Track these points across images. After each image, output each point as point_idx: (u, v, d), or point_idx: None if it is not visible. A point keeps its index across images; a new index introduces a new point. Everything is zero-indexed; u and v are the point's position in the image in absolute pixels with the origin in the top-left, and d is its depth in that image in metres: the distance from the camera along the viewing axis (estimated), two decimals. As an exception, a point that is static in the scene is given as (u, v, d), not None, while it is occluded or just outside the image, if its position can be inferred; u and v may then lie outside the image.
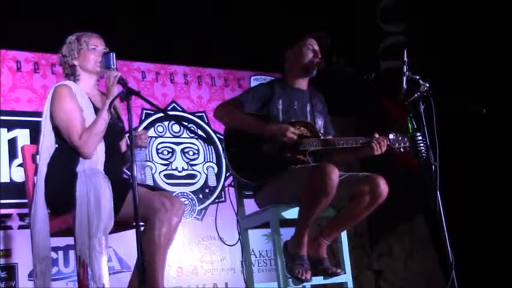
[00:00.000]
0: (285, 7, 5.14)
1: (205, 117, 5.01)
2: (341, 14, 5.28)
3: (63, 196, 2.70)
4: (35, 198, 2.77)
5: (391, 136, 3.27)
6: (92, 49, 2.92)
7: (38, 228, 2.72)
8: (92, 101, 2.89)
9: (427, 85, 3.01)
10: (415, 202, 5.11)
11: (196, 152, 4.93)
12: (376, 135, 3.24)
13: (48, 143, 2.82)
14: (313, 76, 3.41)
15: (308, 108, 3.40)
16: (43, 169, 2.79)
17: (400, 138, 3.27)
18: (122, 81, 2.66)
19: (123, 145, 3.07)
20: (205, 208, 4.80)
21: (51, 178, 2.77)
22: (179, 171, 4.81)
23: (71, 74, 2.94)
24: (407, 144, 3.26)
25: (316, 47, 3.38)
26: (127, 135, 2.99)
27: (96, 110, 2.85)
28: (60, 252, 4.08)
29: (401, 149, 3.28)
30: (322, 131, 3.38)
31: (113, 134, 2.95)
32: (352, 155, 3.38)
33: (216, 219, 3.50)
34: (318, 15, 5.03)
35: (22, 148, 3.00)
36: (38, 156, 2.82)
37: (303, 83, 3.43)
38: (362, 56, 5.22)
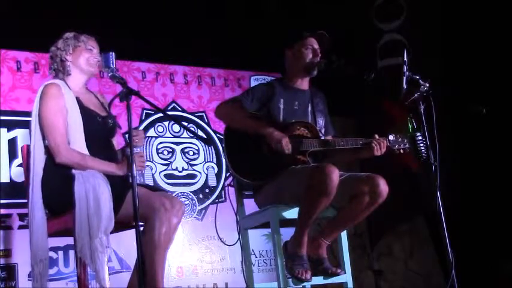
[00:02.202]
0: (285, 7, 5.14)
1: (205, 117, 5.01)
2: (341, 14, 5.28)
3: (61, 197, 2.69)
4: (32, 200, 2.75)
5: (390, 137, 3.27)
6: (89, 49, 2.94)
7: (36, 230, 2.71)
8: (79, 100, 2.88)
9: (427, 85, 3.01)
10: (415, 202, 5.11)
11: (196, 152, 4.93)
12: (376, 136, 3.24)
13: (39, 143, 2.81)
14: (314, 76, 3.42)
15: (309, 108, 3.40)
16: (38, 170, 2.77)
17: (399, 139, 3.28)
18: (121, 81, 2.65)
19: (115, 142, 3.06)
20: (206, 208, 4.80)
21: (48, 179, 2.76)
22: (179, 171, 4.81)
23: (61, 69, 2.92)
24: (407, 145, 3.26)
25: (316, 47, 3.38)
26: (126, 135, 2.98)
27: (83, 110, 2.85)
28: (60, 252, 4.08)
29: (401, 150, 3.28)
30: (322, 131, 3.38)
31: (106, 131, 2.95)
32: (352, 156, 3.38)
33: (215, 219, 3.50)
34: (318, 15, 5.03)
35: (22, 148, 2.99)
36: (31, 156, 2.80)
37: (304, 83, 3.44)
38: (362, 56, 5.22)
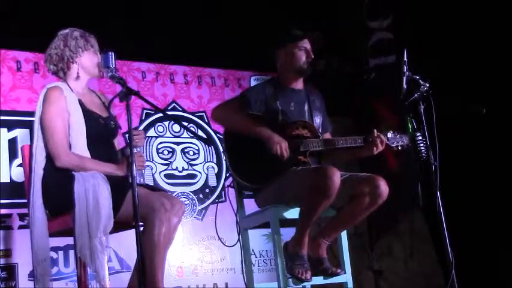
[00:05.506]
0: (286, 7, 5.13)
1: (205, 117, 5.01)
2: (340, 13, 5.28)
3: (61, 197, 2.69)
4: (32, 200, 2.76)
5: (389, 134, 3.27)
6: (97, 52, 2.93)
7: (37, 230, 2.72)
8: (82, 102, 2.88)
9: (427, 85, 3.02)
10: (415, 201, 5.11)
11: (196, 151, 4.93)
12: (375, 132, 3.23)
13: (40, 144, 2.81)
14: (307, 75, 3.40)
15: (306, 107, 3.39)
16: (38, 170, 2.78)
17: (398, 136, 3.28)
18: (121, 81, 2.66)
19: (117, 143, 3.06)
20: (206, 208, 4.80)
21: (48, 179, 2.77)
22: (179, 171, 4.81)
23: (65, 69, 2.91)
24: (405, 142, 3.26)
25: (309, 47, 3.36)
26: (126, 135, 2.98)
27: (85, 112, 2.85)
28: (60, 252, 4.08)
29: (399, 147, 3.28)
30: (320, 130, 3.38)
31: (108, 132, 2.95)
32: (351, 155, 3.38)
33: (215, 219, 3.50)
34: (317, 15, 5.03)
35: (22, 148, 3.00)
36: (32, 157, 2.81)
37: (298, 83, 3.42)
38: (360, 55, 5.22)
